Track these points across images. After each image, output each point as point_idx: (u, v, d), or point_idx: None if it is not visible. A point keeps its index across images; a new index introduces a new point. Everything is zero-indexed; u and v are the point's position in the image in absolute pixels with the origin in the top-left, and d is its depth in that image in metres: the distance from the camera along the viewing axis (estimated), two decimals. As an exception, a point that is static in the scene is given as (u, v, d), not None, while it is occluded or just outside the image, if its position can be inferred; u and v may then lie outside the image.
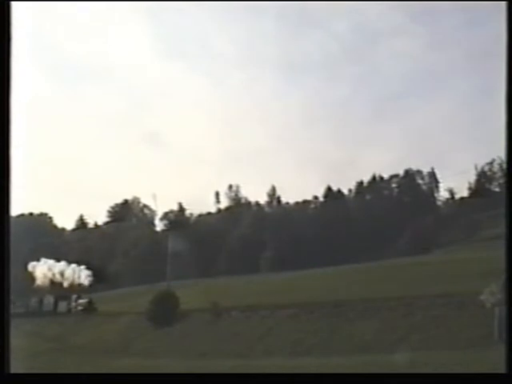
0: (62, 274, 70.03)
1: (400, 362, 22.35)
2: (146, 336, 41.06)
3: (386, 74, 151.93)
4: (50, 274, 71.20)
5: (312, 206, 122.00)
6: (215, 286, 63.49)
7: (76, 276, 68.32)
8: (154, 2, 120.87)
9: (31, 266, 73.00)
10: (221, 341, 35.25)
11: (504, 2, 7.96)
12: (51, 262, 72.56)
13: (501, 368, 8.42)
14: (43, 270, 72.13)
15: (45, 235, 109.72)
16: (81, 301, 58.66)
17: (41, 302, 62.71)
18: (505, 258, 8.13)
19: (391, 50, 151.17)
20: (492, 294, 25.45)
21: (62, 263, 71.52)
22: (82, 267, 69.16)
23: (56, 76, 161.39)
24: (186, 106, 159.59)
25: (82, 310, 56.46)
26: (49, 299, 62.25)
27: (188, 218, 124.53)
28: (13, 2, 7.28)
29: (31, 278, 72.16)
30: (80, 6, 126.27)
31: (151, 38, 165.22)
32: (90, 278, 66.97)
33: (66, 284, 68.89)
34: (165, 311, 43.15)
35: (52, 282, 70.60)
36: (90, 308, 56.61)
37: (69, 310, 58.46)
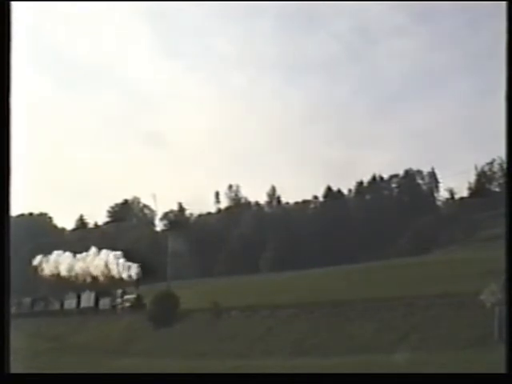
0: (106, 267, 62.32)
1: (400, 361, 22.35)
2: (146, 336, 41.07)
3: (386, 74, 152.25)
4: (91, 268, 64.56)
5: (312, 205, 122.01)
6: (215, 286, 63.51)
7: (121, 270, 59.63)
8: (154, 2, 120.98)
9: (66, 259, 68.02)
10: (221, 341, 35.24)
11: (504, 2, 7.97)
12: (91, 254, 65.73)
13: (501, 368, 8.42)
14: (83, 263, 65.89)
15: (45, 235, 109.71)
16: (128, 296, 52.67)
17: (78, 298, 57.99)
18: (505, 258, 8.13)
19: (391, 51, 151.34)
20: (492, 293, 25.42)
21: (103, 253, 64.23)
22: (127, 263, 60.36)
23: (56, 76, 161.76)
24: (186, 106, 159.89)
25: (129, 307, 50.71)
26: (88, 295, 57.29)
27: (188, 218, 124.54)
28: (13, 2, 7.28)
29: (67, 272, 67.02)
30: (80, 6, 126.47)
31: (151, 38, 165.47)
32: (138, 272, 57.82)
33: (110, 278, 61.40)
34: (165, 311, 43.15)
35: (92, 276, 64.29)
36: (138, 304, 50.36)
37: (113, 307, 53.15)
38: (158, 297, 46.45)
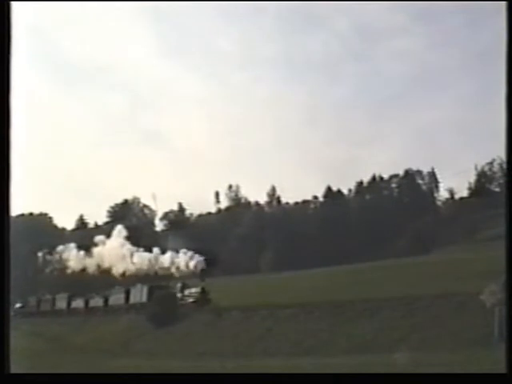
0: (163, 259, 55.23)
1: (400, 362, 22.35)
2: (146, 336, 41.06)
3: (387, 73, 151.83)
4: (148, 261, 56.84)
5: (312, 206, 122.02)
6: (215, 286, 63.40)
7: (183, 261, 52.94)
8: (154, 2, 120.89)
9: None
10: (221, 341, 35.25)
11: (504, 2, 7.97)
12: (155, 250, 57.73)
13: (501, 368, 8.43)
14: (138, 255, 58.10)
15: (45, 235, 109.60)
16: (191, 290, 46.66)
17: (127, 293, 51.54)
18: (505, 258, 8.13)
19: (392, 50, 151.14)
20: (492, 293, 25.46)
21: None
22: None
23: (56, 76, 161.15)
24: (186, 106, 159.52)
25: (193, 302, 45.13)
26: (139, 290, 50.36)
27: (188, 218, 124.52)
28: (13, 2, 7.28)
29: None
30: (80, 6, 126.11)
31: (151, 38, 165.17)
32: (202, 263, 51.16)
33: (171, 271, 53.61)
34: (165, 311, 43.10)
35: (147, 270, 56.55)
36: (203, 299, 45.00)
37: None
38: (158, 297, 46.48)
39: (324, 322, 33.16)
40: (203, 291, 45.62)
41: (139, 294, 50.03)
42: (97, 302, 55.60)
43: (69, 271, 65.09)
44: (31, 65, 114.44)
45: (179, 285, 48.11)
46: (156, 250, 57.54)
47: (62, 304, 59.38)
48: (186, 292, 46.84)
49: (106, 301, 54.25)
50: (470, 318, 27.31)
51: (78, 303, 57.90)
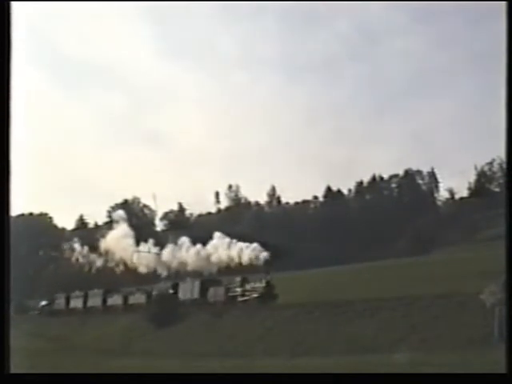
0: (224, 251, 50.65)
1: (400, 362, 22.34)
2: (146, 336, 41.06)
3: (388, 73, 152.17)
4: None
5: (312, 206, 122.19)
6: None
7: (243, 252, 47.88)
8: (155, 2, 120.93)
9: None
10: (221, 341, 35.25)
11: (504, 2, 7.98)
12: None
13: (501, 368, 8.44)
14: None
15: (45, 235, 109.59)
16: (254, 285, 41.77)
17: (174, 288, 46.94)
18: (505, 258, 8.14)
19: (393, 50, 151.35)
20: (492, 293, 25.46)
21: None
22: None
23: (56, 76, 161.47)
24: (186, 106, 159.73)
25: (257, 298, 40.56)
26: (190, 285, 46.10)
27: (188, 218, 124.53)
28: (13, 2, 7.28)
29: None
30: (81, 6, 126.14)
31: (152, 38, 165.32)
32: (266, 255, 45.78)
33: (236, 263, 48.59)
34: (165, 311, 43.10)
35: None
36: (269, 294, 40.19)
37: (231, 299, 42.36)
38: (158, 297, 46.50)
39: (324, 322, 33.16)
40: (268, 285, 40.71)
41: (190, 290, 45.59)
42: (137, 298, 50.19)
43: (76, 268, 64.19)
44: (31, 65, 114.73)
45: (238, 279, 43.45)
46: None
47: (95, 301, 54.34)
48: (248, 286, 42.15)
49: (148, 297, 48.86)
50: (470, 318, 27.30)
51: (115, 300, 52.47)
